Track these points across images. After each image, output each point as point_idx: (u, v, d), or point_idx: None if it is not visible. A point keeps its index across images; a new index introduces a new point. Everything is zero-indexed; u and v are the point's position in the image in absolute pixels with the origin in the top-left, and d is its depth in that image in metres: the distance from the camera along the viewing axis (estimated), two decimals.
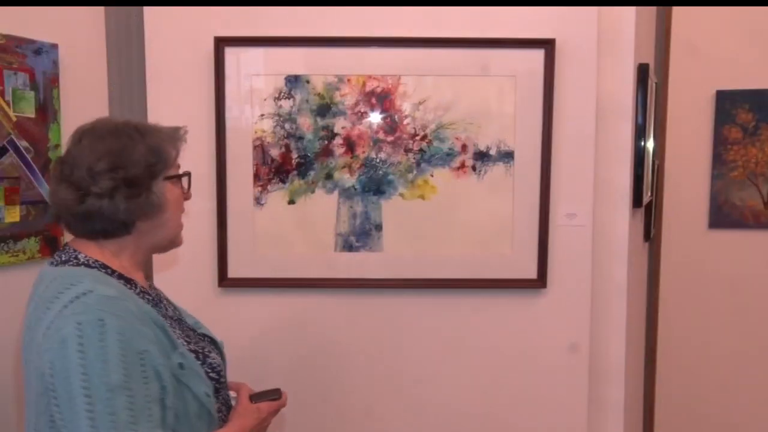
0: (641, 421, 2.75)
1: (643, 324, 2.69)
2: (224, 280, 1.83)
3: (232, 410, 1.28)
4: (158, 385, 1.08)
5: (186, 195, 1.28)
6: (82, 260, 1.16)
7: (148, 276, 1.79)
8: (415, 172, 1.82)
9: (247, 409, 1.28)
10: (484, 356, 1.88)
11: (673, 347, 2.78)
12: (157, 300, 1.26)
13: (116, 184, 1.13)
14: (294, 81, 1.79)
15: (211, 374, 1.23)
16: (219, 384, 1.25)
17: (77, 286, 1.08)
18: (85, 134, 1.17)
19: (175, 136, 1.23)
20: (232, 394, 1.32)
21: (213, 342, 1.35)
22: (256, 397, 1.31)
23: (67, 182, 1.14)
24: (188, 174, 1.27)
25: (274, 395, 1.34)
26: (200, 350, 1.24)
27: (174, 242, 1.28)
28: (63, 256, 1.18)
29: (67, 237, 1.24)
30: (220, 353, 1.35)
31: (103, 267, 1.17)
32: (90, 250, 1.18)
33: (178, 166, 1.25)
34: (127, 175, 1.14)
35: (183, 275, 1.83)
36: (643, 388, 2.74)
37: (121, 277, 1.18)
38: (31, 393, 1.12)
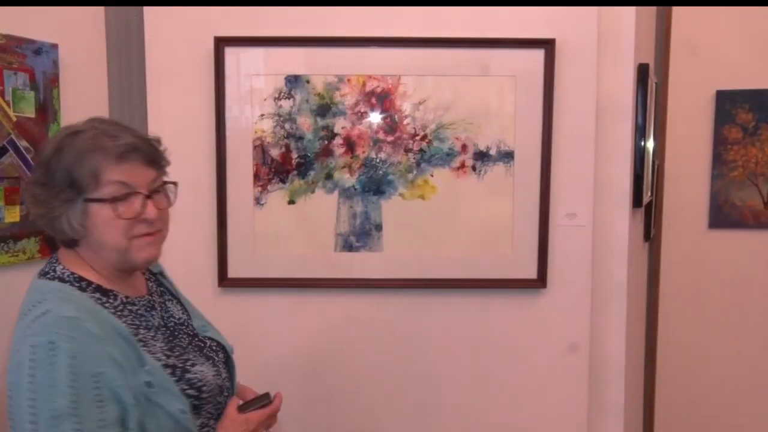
0: (641, 421, 2.75)
1: (643, 324, 2.68)
2: (224, 280, 1.83)
3: (219, 423, 1.21)
4: (117, 407, 1.04)
5: (119, 214, 1.10)
6: (58, 273, 1.13)
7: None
8: (415, 172, 1.81)
9: (234, 421, 1.21)
10: (484, 356, 1.88)
11: (673, 347, 2.78)
12: (146, 309, 1.21)
13: (44, 212, 1.12)
14: (294, 81, 1.79)
15: (188, 390, 1.14)
16: (200, 400, 1.17)
17: (39, 305, 1.07)
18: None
19: (114, 152, 1.09)
20: (240, 401, 1.27)
21: (221, 347, 1.30)
22: (244, 407, 1.24)
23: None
24: (116, 198, 1.10)
25: (264, 401, 1.26)
26: (181, 364, 1.17)
27: (127, 262, 1.15)
28: (46, 267, 1.16)
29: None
30: (227, 360, 1.30)
31: (79, 280, 1.12)
32: (71, 260, 1.15)
33: (122, 184, 1.10)
34: (48, 203, 1.11)
35: (183, 275, 1.82)
36: (643, 388, 2.74)
37: (98, 289, 1.13)
38: None
